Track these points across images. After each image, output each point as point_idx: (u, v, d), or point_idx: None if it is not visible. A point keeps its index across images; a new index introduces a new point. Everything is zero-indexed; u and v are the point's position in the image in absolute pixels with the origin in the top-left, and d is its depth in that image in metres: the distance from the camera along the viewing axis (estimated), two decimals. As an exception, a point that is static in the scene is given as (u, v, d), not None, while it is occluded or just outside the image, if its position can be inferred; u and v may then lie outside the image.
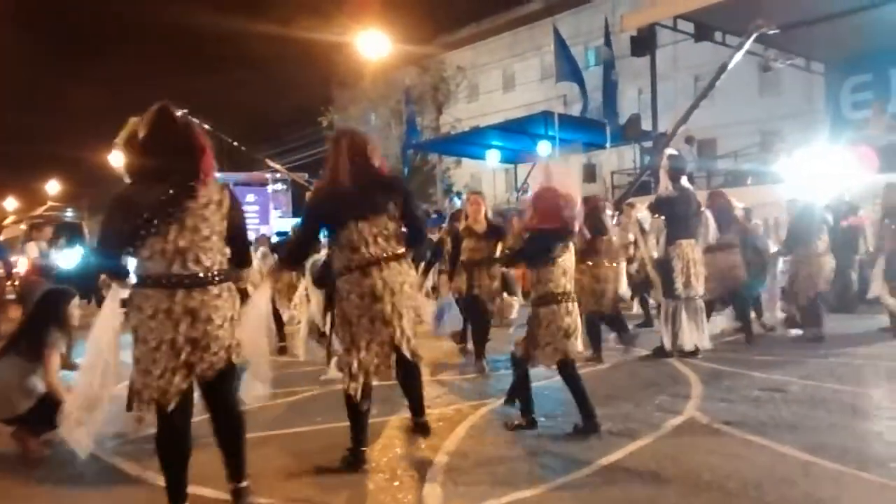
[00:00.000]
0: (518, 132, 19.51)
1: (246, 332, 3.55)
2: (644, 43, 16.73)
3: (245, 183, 25.03)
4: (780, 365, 6.69)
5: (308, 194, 4.94)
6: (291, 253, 4.59)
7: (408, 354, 4.18)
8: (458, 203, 21.05)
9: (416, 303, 4.26)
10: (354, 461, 4.13)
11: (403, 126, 27.62)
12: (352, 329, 4.06)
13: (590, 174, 29.73)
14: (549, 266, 4.65)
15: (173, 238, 3.24)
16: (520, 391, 4.93)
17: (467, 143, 23.17)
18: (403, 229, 4.25)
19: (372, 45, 21.06)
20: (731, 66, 13.01)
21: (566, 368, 4.74)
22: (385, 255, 4.04)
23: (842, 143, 11.73)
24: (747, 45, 13.04)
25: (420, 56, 32.40)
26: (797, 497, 3.47)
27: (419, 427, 4.67)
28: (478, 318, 7.15)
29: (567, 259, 4.72)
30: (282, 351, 8.27)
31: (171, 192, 3.26)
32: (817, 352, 7.28)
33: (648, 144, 16.82)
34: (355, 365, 4.04)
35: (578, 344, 4.80)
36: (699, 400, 5.48)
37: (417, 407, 4.67)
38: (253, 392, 3.77)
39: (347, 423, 4.19)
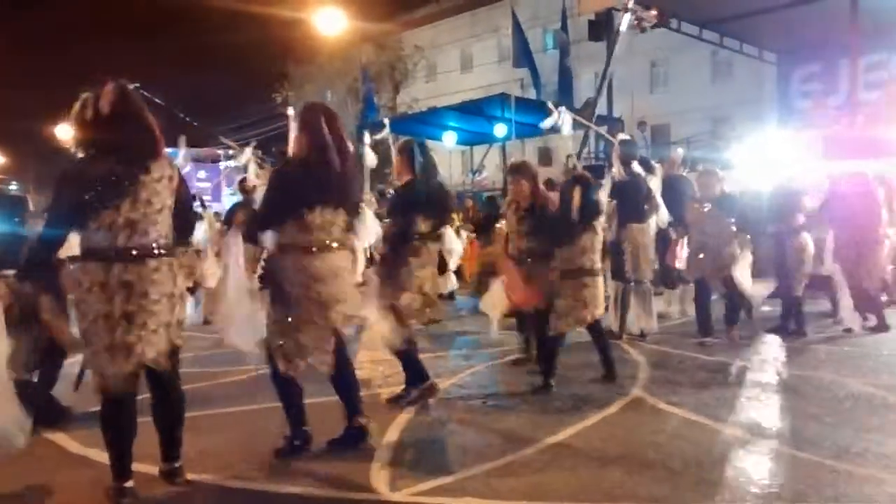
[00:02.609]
0: (475, 114, 19.45)
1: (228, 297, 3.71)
2: (601, 27, 16.88)
3: (196, 160, 24.55)
4: (724, 348, 6.84)
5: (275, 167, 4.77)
6: (252, 227, 4.21)
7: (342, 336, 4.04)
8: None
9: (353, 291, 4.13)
10: (299, 444, 4.02)
11: (360, 104, 27.36)
12: (289, 309, 3.90)
13: (546, 158, 29.89)
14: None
15: (126, 210, 3.26)
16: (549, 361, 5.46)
17: (424, 123, 23.01)
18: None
19: (329, 21, 20.79)
20: (623, 29, 13.35)
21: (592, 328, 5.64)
22: (335, 242, 3.95)
23: (789, 131, 12.01)
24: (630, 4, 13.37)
25: (378, 34, 32.11)
26: (735, 474, 3.58)
27: (355, 432, 4.08)
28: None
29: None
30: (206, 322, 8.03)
31: (125, 165, 3.27)
32: (759, 335, 7.46)
33: (604, 128, 16.97)
34: (292, 346, 3.88)
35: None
36: (645, 381, 5.59)
37: (353, 404, 4.13)
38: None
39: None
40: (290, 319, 3.89)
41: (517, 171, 5.91)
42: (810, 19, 14.48)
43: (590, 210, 5.51)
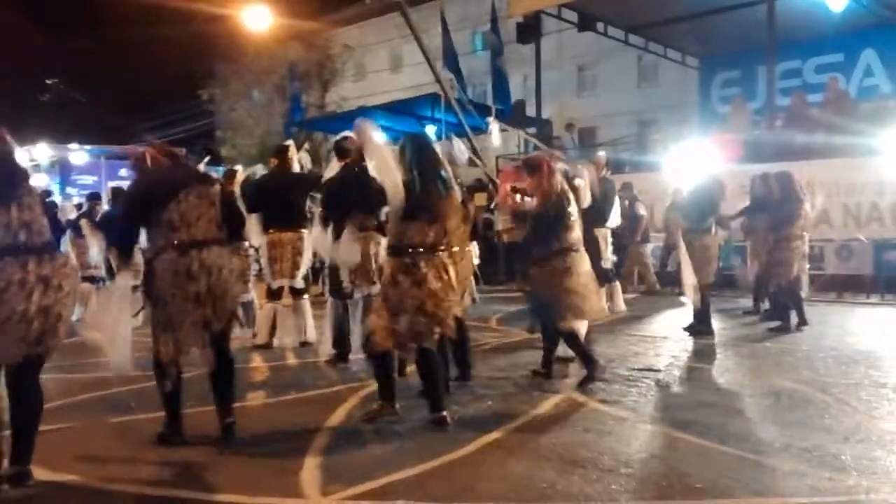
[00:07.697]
0: (405, 113, 19.42)
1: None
2: (530, 30, 17.01)
3: (118, 157, 23.78)
4: (653, 347, 6.97)
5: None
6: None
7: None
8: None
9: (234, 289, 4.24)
10: (171, 435, 4.13)
11: (287, 103, 26.93)
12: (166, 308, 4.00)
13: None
14: None
15: (16, 213, 3.34)
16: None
17: (353, 122, 22.85)
18: None
19: (255, 17, 20.39)
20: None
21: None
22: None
23: (710, 135, 12.34)
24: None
25: (305, 32, 31.69)
26: (664, 471, 3.62)
27: (225, 430, 4.18)
28: None
29: None
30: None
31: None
32: (683, 334, 7.60)
33: (533, 130, 17.15)
34: (171, 345, 3.98)
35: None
36: (577, 380, 5.61)
37: (226, 405, 4.23)
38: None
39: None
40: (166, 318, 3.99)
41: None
42: (730, 27, 14.93)
43: None
